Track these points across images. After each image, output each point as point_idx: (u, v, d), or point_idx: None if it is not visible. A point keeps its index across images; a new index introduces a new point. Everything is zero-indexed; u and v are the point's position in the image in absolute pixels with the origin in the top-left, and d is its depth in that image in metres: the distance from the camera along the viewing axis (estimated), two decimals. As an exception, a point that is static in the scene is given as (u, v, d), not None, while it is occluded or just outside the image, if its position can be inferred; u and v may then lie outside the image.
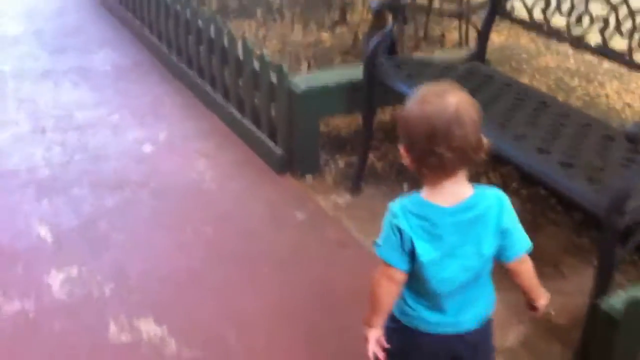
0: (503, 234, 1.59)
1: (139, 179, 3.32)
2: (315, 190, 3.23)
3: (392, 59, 2.98)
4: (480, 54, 3.25)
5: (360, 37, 4.45)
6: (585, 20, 2.84)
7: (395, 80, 2.85)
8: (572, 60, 4.41)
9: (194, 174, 3.38)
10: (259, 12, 5.27)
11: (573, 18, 2.88)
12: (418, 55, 4.16)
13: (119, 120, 3.96)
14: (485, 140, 1.54)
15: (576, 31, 2.89)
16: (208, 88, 4.01)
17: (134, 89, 4.39)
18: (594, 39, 2.81)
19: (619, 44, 2.71)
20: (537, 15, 3.06)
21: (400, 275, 1.61)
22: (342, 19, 5.05)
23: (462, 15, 4.51)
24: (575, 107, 3.08)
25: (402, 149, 1.58)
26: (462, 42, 4.47)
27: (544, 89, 3.87)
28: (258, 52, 3.48)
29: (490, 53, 3.40)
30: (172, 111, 4.08)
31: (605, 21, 2.73)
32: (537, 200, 3.05)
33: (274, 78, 3.27)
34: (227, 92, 3.81)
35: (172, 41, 4.49)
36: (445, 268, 1.59)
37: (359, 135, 3.24)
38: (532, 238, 1.64)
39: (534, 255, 1.67)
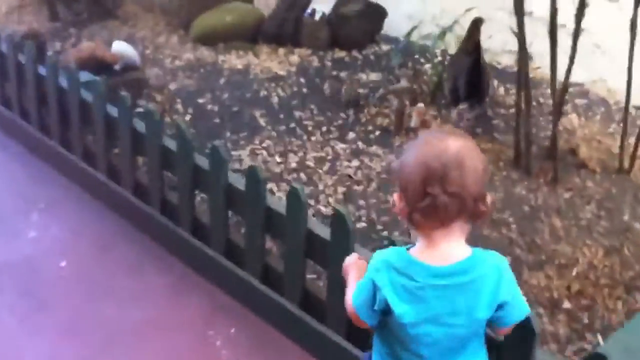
0: (500, 306, 1.45)
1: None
2: None
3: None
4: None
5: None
6: None
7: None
8: None
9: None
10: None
11: None
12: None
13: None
14: (489, 196, 1.43)
15: None
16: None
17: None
18: None
19: None
20: None
21: (364, 325, 1.53)
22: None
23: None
24: None
25: (395, 197, 1.46)
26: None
27: None
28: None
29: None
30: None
31: None
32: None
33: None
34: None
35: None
36: (428, 333, 1.45)
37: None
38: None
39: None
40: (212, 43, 5.18)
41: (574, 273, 2.90)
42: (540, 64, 4.63)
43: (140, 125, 2.94)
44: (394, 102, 4.22)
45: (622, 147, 3.46)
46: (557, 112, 3.53)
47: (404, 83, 3.96)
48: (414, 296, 1.43)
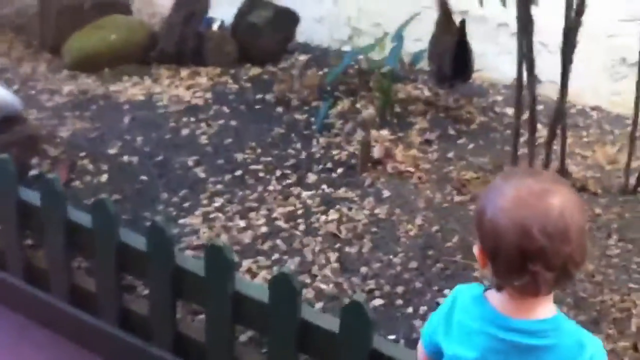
0: None
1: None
2: None
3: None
4: None
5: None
6: None
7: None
8: None
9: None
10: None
11: None
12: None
13: None
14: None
15: None
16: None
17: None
18: None
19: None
20: None
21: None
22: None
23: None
24: None
25: (477, 251, 1.30)
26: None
27: None
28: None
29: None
30: None
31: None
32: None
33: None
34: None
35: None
36: None
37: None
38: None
39: None
40: (94, 69, 4.26)
41: (633, 328, 2.50)
42: (481, 66, 4.24)
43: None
44: (345, 127, 3.64)
45: (628, 163, 3.11)
46: (552, 131, 3.11)
47: (370, 110, 3.37)
48: (468, 338, 1.30)
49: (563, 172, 3.01)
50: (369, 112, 3.31)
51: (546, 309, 1.28)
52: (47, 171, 3.13)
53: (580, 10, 2.80)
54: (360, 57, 4.10)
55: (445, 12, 3.93)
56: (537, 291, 1.24)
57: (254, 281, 2.57)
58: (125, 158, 3.34)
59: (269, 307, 1.96)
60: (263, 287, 2.07)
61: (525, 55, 2.81)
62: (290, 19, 4.53)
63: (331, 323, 1.91)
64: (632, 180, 3.14)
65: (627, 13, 3.92)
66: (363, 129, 3.23)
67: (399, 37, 3.60)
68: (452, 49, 3.72)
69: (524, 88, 2.97)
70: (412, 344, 2.33)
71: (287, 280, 1.89)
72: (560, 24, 2.90)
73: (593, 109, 3.97)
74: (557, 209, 1.20)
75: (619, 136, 3.67)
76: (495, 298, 1.31)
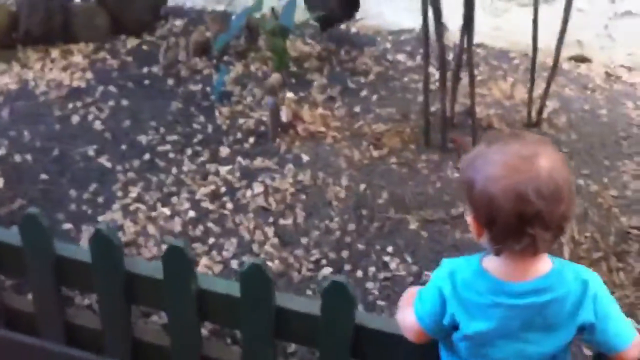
0: (584, 328, 1.32)
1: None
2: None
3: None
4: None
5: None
6: None
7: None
8: None
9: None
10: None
11: None
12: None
13: None
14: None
15: None
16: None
17: None
18: None
19: None
20: None
21: (426, 338, 1.44)
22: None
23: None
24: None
25: (471, 221, 1.31)
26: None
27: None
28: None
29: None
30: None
31: None
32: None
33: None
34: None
35: None
36: (498, 348, 1.34)
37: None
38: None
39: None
40: (-51, 58, 3.81)
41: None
42: (363, 15, 4.23)
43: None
44: (243, 93, 3.52)
45: (530, 98, 3.23)
46: (456, 75, 3.17)
47: (276, 75, 3.26)
48: (483, 313, 1.31)
49: (473, 113, 3.08)
50: (275, 76, 3.21)
51: (545, 264, 1.32)
52: None
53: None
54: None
55: None
56: (536, 251, 1.27)
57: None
58: (17, 157, 3.03)
59: (241, 301, 1.88)
60: (230, 282, 1.97)
61: (432, 3, 2.81)
62: (159, -18, 4.26)
63: (309, 306, 1.85)
64: (533, 114, 3.28)
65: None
66: (271, 94, 3.13)
67: (289, -7, 3.47)
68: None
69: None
70: (370, 307, 2.35)
71: (260, 271, 1.81)
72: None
73: (477, 46, 4.08)
74: (547, 170, 1.22)
75: (508, 71, 3.81)
76: (495, 266, 1.32)
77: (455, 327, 1.38)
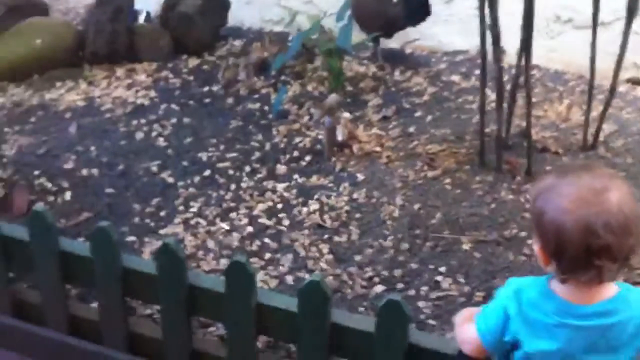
0: None
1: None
2: None
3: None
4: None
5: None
6: None
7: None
8: None
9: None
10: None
11: None
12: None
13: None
14: None
15: None
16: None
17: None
18: None
19: None
20: None
21: (483, 354, 1.47)
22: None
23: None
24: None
25: (538, 250, 1.35)
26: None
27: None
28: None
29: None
30: None
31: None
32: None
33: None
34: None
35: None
36: None
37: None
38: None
39: None
40: (22, 78, 4.02)
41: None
42: (417, 36, 4.29)
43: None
44: (300, 112, 3.61)
45: (587, 120, 3.23)
46: (513, 96, 3.19)
47: (334, 95, 3.34)
48: (548, 333, 1.35)
49: (529, 135, 3.09)
50: (333, 96, 3.28)
51: (611, 288, 1.36)
52: (3, 196, 2.95)
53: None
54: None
55: None
56: (601, 281, 1.32)
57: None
58: (84, 172, 3.18)
59: (298, 316, 1.94)
60: (288, 297, 2.03)
61: (490, 27, 2.85)
62: (220, 4, 4.40)
63: (364, 323, 1.90)
64: (589, 137, 3.27)
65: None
66: (330, 114, 3.20)
67: (346, 16, 3.56)
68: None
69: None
70: (420, 326, 2.38)
71: (318, 287, 1.87)
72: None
73: (533, 67, 4.09)
74: (617, 204, 1.26)
75: (564, 93, 3.81)
76: (562, 289, 1.36)
77: (515, 345, 1.41)
